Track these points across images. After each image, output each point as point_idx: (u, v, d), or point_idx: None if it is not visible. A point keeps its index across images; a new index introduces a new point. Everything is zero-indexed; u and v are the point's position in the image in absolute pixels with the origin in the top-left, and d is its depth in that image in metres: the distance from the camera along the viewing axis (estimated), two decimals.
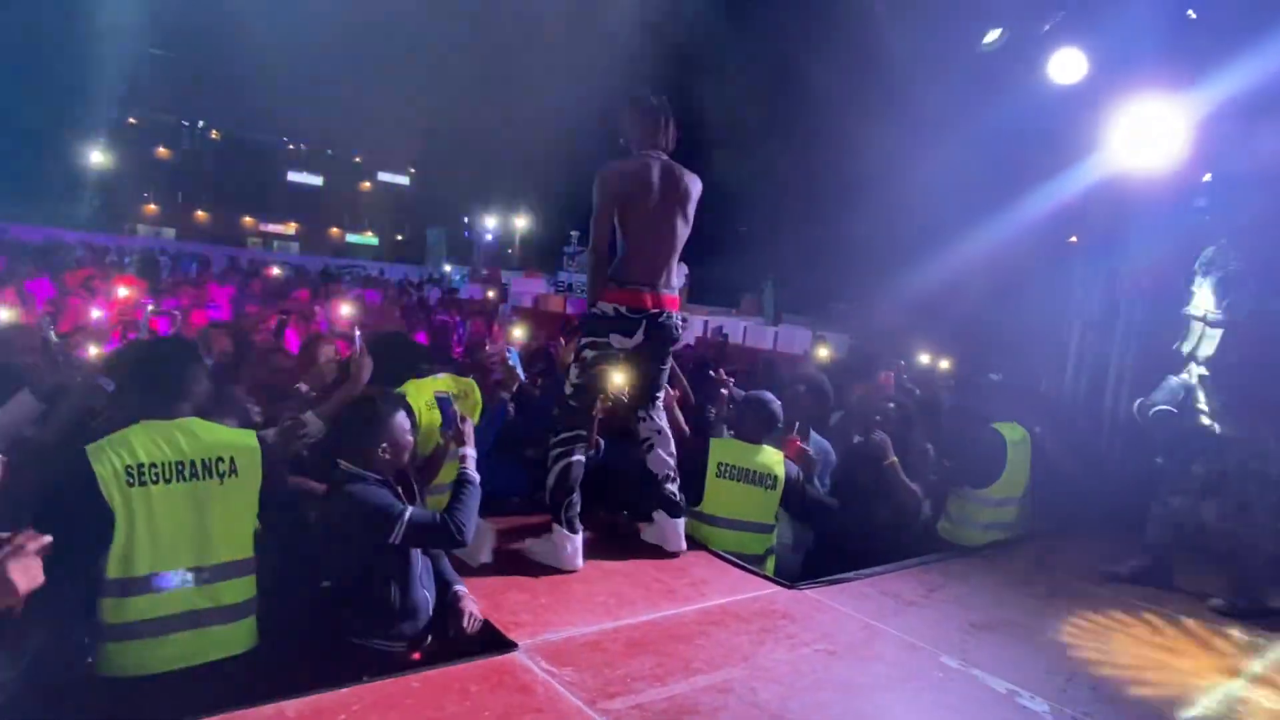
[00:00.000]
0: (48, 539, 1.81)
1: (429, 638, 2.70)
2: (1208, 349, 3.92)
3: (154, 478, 2.29)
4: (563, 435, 3.45)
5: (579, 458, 3.44)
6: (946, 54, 6.73)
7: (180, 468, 2.34)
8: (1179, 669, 3.01)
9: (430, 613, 2.69)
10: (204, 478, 2.38)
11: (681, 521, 3.65)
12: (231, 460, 2.43)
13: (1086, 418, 5.71)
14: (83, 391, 2.86)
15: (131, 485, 2.26)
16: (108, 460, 2.25)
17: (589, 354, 3.44)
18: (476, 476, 2.79)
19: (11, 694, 1.96)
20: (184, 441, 2.38)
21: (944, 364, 7.45)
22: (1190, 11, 5.11)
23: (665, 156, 3.49)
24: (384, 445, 2.64)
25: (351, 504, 2.53)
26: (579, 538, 3.36)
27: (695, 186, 3.53)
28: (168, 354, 2.60)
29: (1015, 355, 6.94)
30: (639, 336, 3.42)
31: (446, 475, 3.11)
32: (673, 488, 3.64)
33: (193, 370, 2.53)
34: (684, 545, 3.63)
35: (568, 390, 3.50)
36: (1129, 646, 3.14)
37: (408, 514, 2.54)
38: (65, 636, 2.25)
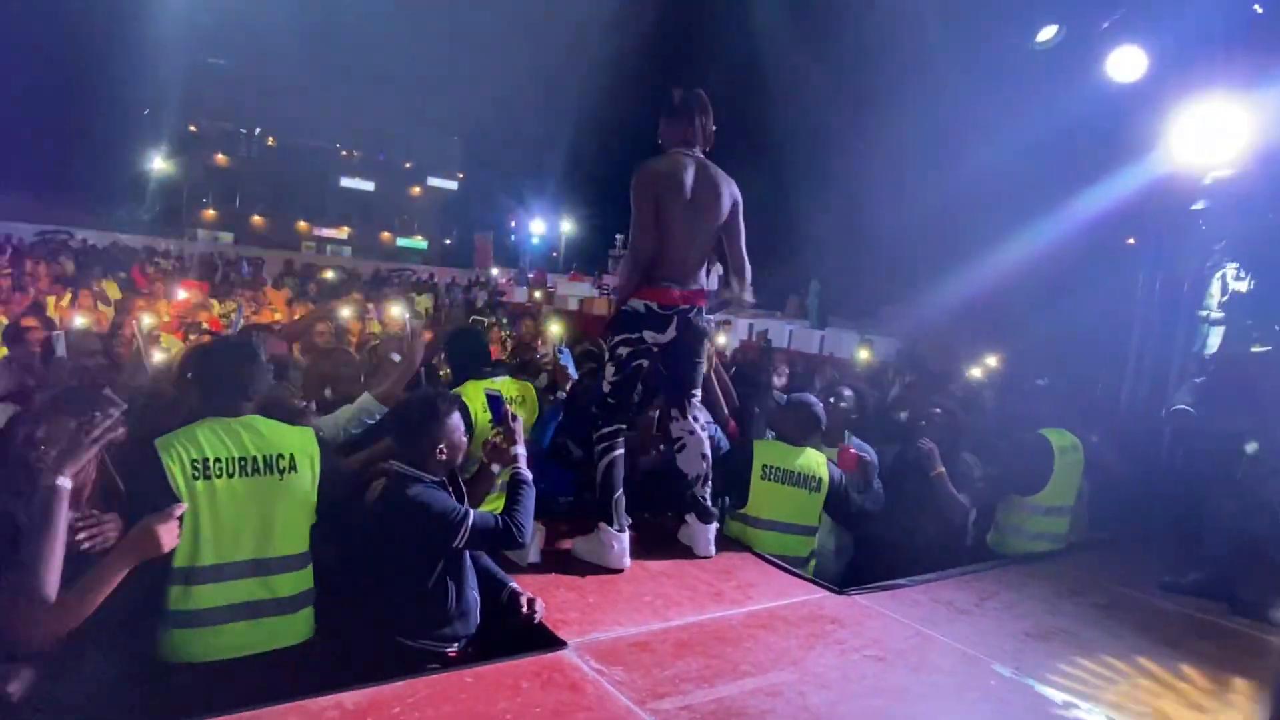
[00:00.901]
0: (184, 505, 2.08)
1: (473, 638, 2.71)
2: (1212, 347, 3.85)
3: (218, 472, 2.38)
4: (604, 432, 3.46)
5: (620, 453, 3.45)
6: (1000, 52, 6.62)
7: (243, 463, 2.43)
8: (1241, 681, 2.91)
9: (479, 614, 2.71)
10: (265, 474, 2.47)
11: (713, 527, 3.61)
12: (292, 458, 2.52)
13: (1147, 422, 5.56)
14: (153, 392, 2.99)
15: (197, 478, 2.35)
16: (176, 454, 2.35)
17: (623, 350, 3.43)
18: (530, 475, 2.82)
19: (78, 681, 2.05)
20: (247, 438, 2.46)
21: (991, 361, 7.32)
22: (1256, 6, 4.95)
23: (699, 154, 3.45)
24: (440, 447, 2.64)
25: (414, 508, 2.54)
26: (626, 537, 3.38)
27: (730, 187, 3.47)
28: (231, 354, 2.68)
29: (1070, 359, 6.80)
30: (671, 332, 3.40)
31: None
32: (704, 491, 3.60)
33: (255, 369, 2.61)
34: (713, 551, 3.59)
35: (605, 388, 3.50)
36: (1190, 657, 3.05)
37: (471, 518, 2.56)
38: (131, 622, 2.34)
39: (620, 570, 3.34)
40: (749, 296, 3.56)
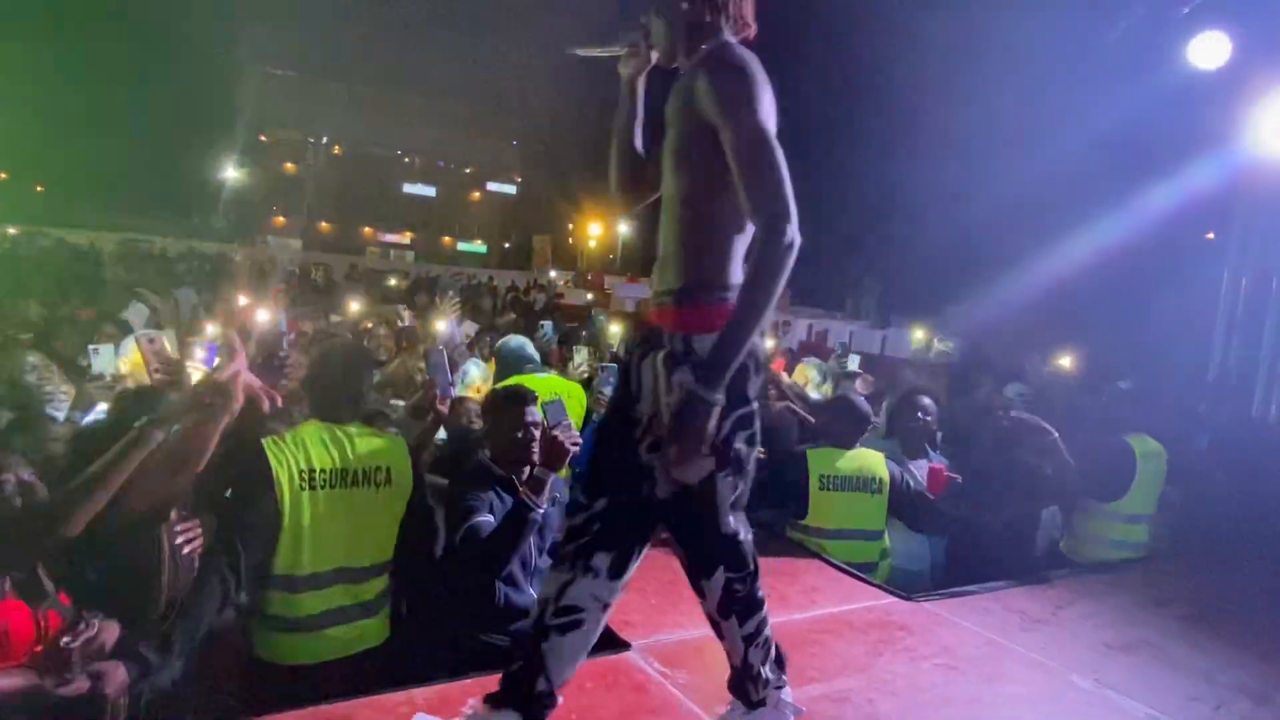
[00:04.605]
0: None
1: None
2: None
3: (323, 483, 2.40)
4: None
5: None
6: (1074, 40, 6.42)
7: (343, 475, 2.45)
8: None
9: None
10: (362, 486, 2.49)
11: None
12: (387, 470, 2.54)
13: (1232, 427, 5.31)
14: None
15: (303, 489, 2.37)
16: (286, 460, 2.36)
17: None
18: (539, 513, 2.59)
19: (172, 681, 2.12)
20: (348, 448, 2.48)
21: (1062, 362, 7.08)
22: None
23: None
24: (508, 443, 2.72)
25: (439, 500, 2.64)
26: None
27: None
28: (346, 359, 2.69)
29: (1148, 359, 6.54)
30: None
31: None
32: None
33: (367, 377, 2.68)
34: None
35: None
36: None
37: (463, 529, 2.57)
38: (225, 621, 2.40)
39: None
40: None
